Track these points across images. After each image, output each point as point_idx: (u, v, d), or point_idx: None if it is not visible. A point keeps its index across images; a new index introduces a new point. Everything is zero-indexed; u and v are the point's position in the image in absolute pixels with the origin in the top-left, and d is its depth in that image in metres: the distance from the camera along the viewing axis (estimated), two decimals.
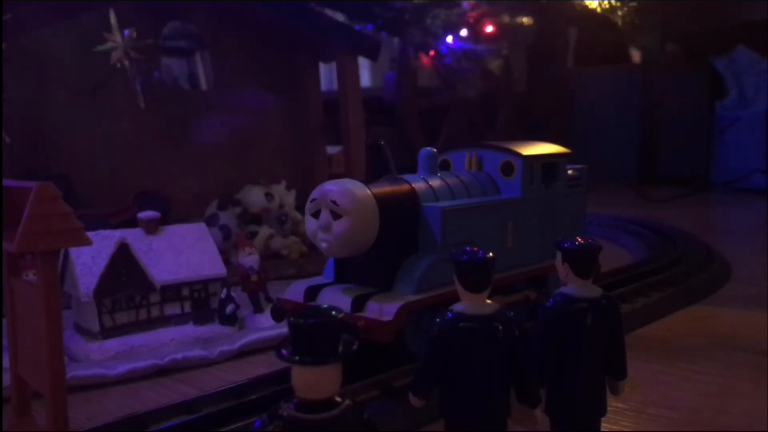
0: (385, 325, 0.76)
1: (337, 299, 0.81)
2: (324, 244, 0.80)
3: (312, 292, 0.85)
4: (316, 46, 1.82)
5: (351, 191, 0.79)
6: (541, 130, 3.51)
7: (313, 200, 0.81)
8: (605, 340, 0.65)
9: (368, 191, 0.81)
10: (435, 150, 0.96)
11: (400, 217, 0.84)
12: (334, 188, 0.80)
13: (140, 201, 1.42)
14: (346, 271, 0.87)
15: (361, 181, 0.83)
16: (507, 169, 0.96)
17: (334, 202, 0.79)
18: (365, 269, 0.84)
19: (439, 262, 0.83)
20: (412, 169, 0.95)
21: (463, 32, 2.36)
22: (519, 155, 0.95)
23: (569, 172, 1.04)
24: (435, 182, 0.91)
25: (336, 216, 0.79)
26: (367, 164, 0.91)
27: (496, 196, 0.96)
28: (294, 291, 0.87)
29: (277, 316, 0.86)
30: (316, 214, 0.81)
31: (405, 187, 0.87)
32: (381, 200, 0.81)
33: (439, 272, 0.82)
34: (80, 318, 1.07)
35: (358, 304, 0.80)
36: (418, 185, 0.88)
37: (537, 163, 0.97)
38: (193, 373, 1.02)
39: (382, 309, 0.78)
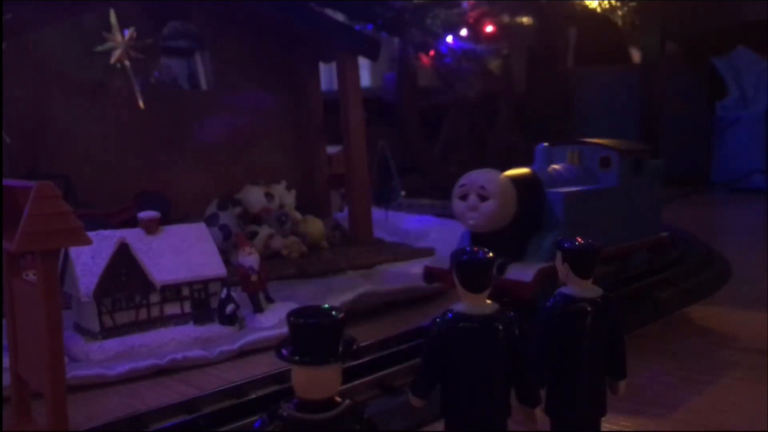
0: (527, 285, 0.95)
1: None
2: (471, 222, 0.98)
3: None
4: (316, 46, 1.82)
5: (496, 178, 0.98)
6: (541, 130, 3.52)
7: (462, 186, 0.99)
8: (605, 340, 0.65)
9: (508, 178, 0.99)
10: (548, 145, 1.19)
11: (530, 200, 1.02)
12: (481, 176, 0.98)
13: (140, 201, 1.42)
14: (480, 244, 0.97)
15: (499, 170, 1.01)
16: (605, 162, 1.14)
17: (482, 187, 0.97)
18: (500, 242, 0.97)
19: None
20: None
21: (463, 32, 2.36)
22: (617, 150, 1.14)
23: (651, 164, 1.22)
24: (552, 172, 1.10)
25: (483, 198, 0.96)
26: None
27: (599, 185, 1.14)
28: (439, 259, 1.06)
29: (428, 279, 1.05)
30: (463, 198, 0.98)
31: (532, 175, 1.06)
32: (517, 185, 0.99)
33: None
34: (80, 318, 1.07)
35: (501, 268, 0.98)
36: (541, 174, 1.08)
37: (630, 157, 1.16)
38: (193, 373, 1.02)
39: (524, 272, 0.96)
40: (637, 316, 1.18)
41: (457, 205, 0.99)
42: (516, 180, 1.00)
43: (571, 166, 1.15)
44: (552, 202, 1.04)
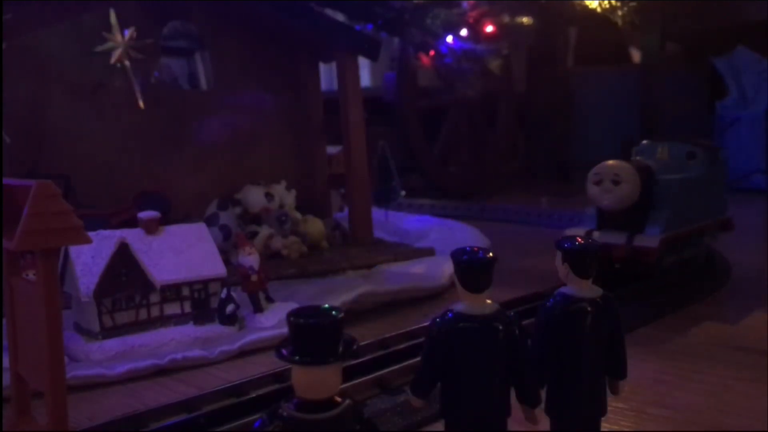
0: (653, 251, 1.23)
1: (611, 237, 1.26)
2: (606, 202, 1.27)
3: (588, 234, 1.29)
4: (316, 46, 1.81)
5: (627, 166, 1.27)
6: (541, 130, 3.52)
7: (597, 173, 1.27)
8: (605, 340, 0.65)
9: (635, 167, 1.28)
10: (647, 142, 1.45)
11: (648, 184, 1.29)
12: (614, 165, 1.27)
13: (140, 201, 1.42)
14: (605, 220, 1.31)
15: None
16: (691, 155, 1.41)
17: (616, 174, 1.25)
18: (625, 217, 1.27)
19: (672, 215, 1.29)
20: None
21: (463, 32, 2.36)
22: (701, 146, 1.43)
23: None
24: (656, 163, 1.36)
25: (616, 183, 1.25)
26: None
27: (689, 173, 1.39)
28: (572, 231, 1.28)
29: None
30: (598, 183, 1.27)
31: (648, 165, 1.34)
32: (640, 172, 1.28)
33: (673, 221, 1.29)
34: (80, 318, 1.07)
35: (630, 238, 1.25)
36: (651, 164, 1.35)
37: (710, 152, 1.44)
38: (193, 373, 1.02)
39: (649, 240, 1.24)
40: (637, 316, 1.18)
41: (592, 189, 1.28)
42: (640, 168, 1.28)
43: (664, 159, 1.41)
44: (665, 187, 1.31)
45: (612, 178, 1.25)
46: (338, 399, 0.47)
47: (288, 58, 1.81)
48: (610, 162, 1.26)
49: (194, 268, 1.11)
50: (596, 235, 1.28)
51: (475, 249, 0.61)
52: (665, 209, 1.28)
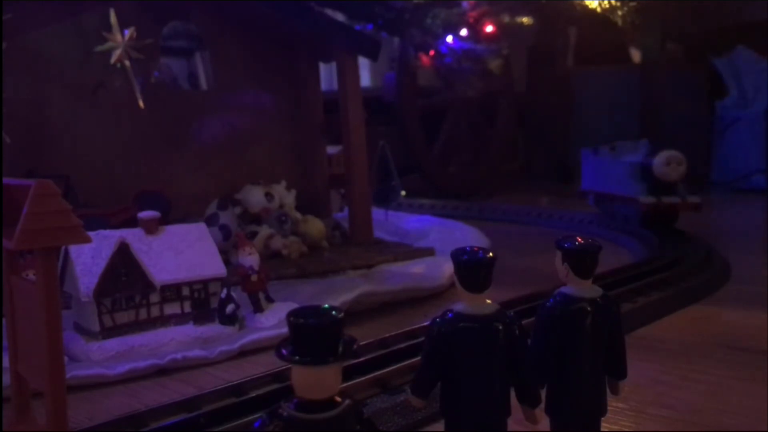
0: (699, 204, 1.94)
1: (669, 199, 1.92)
2: (674, 176, 1.90)
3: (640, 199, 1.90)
4: (316, 46, 1.81)
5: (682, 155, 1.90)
6: (541, 130, 3.52)
7: (669, 157, 1.89)
8: (605, 340, 0.65)
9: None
10: None
11: None
12: (678, 152, 1.88)
13: (140, 201, 1.42)
14: (660, 189, 1.91)
15: None
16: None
17: (680, 159, 1.90)
18: (672, 187, 1.92)
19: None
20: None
21: (463, 32, 2.36)
22: None
23: None
24: None
25: (680, 164, 1.90)
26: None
27: None
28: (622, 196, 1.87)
29: None
30: (668, 164, 1.90)
31: None
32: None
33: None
34: (80, 318, 1.07)
35: (684, 198, 1.92)
36: None
37: None
38: (193, 372, 1.02)
39: (695, 198, 1.94)
40: (637, 316, 1.18)
41: (662, 167, 1.90)
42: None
43: None
44: None
45: (677, 161, 1.87)
46: (338, 399, 0.47)
47: (288, 58, 1.81)
48: (675, 151, 1.88)
49: (194, 268, 1.11)
50: (648, 199, 1.89)
51: (475, 249, 0.61)
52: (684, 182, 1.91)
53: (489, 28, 2.56)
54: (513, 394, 0.61)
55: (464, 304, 0.60)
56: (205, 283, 1.13)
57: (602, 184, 2.18)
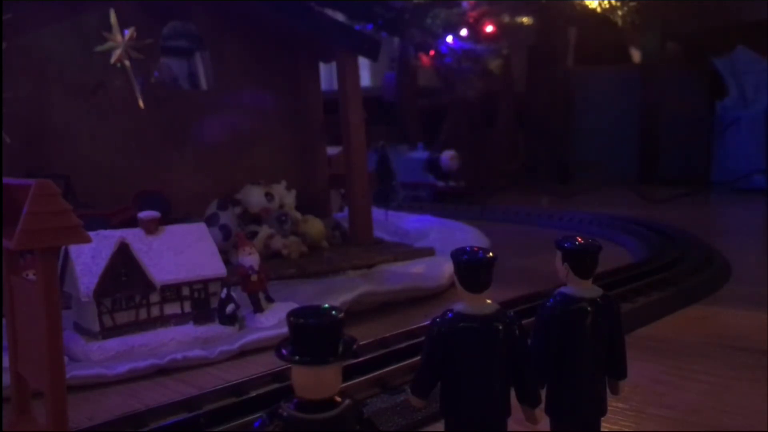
0: None
1: None
2: None
3: None
4: (316, 46, 1.81)
5: None
6: (541, 130, 3.52)
7: None
8: (605, 340, 0.65)
9: None
10: None
11: None
12: None
13: (140, 201, 1.42)
14: None
15: None
16: None
17: None
18: None
19: None
20: None
21: (463, 32, 2.36)
22: None
23: None
24: None
25: None
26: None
27: None
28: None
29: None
30: None
31: None
32: None
33: None
34: (80, 318, 1.07)
35: None
36: None
37: None
38: (193, 372, 1.02)
39: None
40: (637, 316, 1.18)
41: None
42: None
43: None
44: None
45: (456, 156, 2.06)
46: (338, 399, 0.47)
47: (288, 58, 1.81)
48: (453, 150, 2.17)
49: (194, 268, 1.11)
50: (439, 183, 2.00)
51: (475, 249, 0.60)
52: None
53: (489, 28, 2.56)
54: (513, 394, 0.61)
55: (464, 304, 0.60)
56: (205, 283, 1.13)
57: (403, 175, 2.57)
